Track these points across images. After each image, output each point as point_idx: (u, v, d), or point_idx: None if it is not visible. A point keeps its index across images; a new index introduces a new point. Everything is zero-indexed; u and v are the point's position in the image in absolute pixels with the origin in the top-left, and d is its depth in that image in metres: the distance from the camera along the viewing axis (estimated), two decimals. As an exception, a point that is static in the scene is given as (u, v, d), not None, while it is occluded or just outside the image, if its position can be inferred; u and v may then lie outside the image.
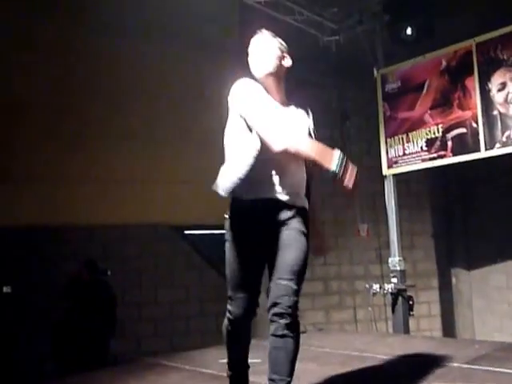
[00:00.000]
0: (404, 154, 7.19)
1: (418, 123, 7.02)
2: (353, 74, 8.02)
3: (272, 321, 2.69)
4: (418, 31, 6.71)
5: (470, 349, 4.64)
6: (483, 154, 6.42)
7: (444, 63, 6.81)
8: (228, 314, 2.98)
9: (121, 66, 7.62)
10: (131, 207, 7.48)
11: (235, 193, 2.77)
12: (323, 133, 9.70)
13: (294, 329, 2.68)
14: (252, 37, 3.01)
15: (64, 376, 4.74)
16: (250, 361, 4.58)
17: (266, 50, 2.94)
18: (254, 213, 2.79)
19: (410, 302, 7.10)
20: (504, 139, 6.24)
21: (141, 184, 7.58)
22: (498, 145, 6.29)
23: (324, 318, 8.65)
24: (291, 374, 2.68)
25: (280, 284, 2.69)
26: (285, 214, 2.81)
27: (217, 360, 4.76)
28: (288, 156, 2.72)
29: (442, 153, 6.82)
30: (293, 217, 2.81)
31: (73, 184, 7.17)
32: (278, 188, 2.81)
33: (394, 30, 6.89)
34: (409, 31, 6.71)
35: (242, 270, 2.84)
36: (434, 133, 6.87)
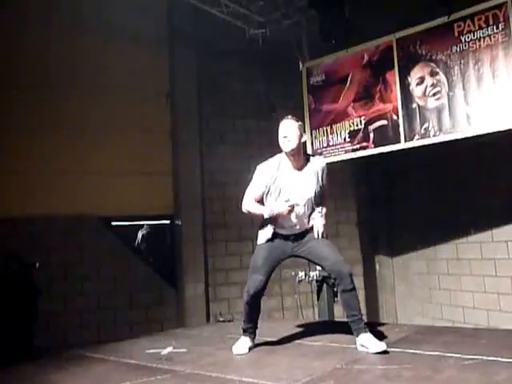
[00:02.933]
0: (328, 146, 7.37)
1: (342, 115, 7.22)
2: (280, 66, 8.10)
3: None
4: (339, 26, 6.85)
5: (391, 332, 4.82)
6: (403, 145, 6.68)
7: (366, 57, 7.02)
8: None
9: (54, 56, 7.55)
10: (56, 198, 7.37)
11: None
12: (251, 124, 9.69)
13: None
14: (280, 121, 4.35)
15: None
16: (175, 350, 4.64)
17: (291, 135, 4.22)
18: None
19: (335, 289, 7.30)
20: (422, 131, 6.50)
21: (67, 175, 7.48)
22: (417, 136, 6.55)
23: (253, 307, 8.72)
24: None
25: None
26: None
27: (143, 350, 4.78)
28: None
29: (365, 144, 7.04)
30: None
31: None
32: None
33: (319, 24, 7.02)
34: (329, 25, 6.84)
35: None
36: (357, 124, 7.08)
